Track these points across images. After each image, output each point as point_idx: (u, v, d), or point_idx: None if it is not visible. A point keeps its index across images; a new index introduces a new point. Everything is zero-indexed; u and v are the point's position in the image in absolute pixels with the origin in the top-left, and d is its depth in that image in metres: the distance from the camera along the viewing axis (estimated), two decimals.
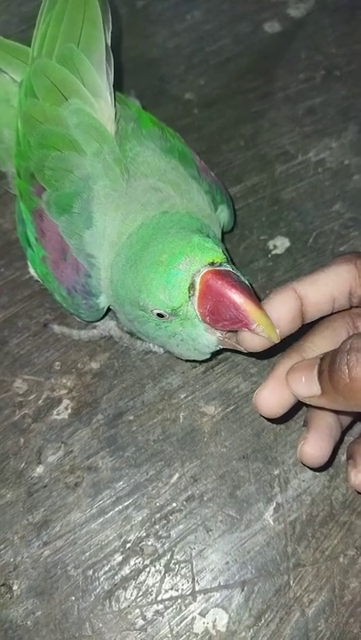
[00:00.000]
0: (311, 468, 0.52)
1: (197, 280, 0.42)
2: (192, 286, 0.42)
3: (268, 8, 0.79)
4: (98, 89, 0.50)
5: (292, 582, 0.49)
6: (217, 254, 0.42)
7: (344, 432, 0.47)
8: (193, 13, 0.78)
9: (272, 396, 0.42)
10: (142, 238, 0.46)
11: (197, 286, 0.42)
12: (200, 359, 0.50)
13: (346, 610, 0.48)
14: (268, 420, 0.53)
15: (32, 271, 0.57)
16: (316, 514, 0.51)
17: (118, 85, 0.53)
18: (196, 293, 0.42)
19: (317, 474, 0.52)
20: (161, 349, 0.56)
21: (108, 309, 0.53)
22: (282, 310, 0.42)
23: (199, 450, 0.54)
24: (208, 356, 0.49)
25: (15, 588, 0.50)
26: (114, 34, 0.52)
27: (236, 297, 0.40)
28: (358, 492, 0.51)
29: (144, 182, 0.49)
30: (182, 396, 0.56)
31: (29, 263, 0.56)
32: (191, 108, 0.71)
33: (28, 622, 0.49)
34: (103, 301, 0.51)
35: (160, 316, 0.45)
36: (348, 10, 0.79)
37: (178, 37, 0.76)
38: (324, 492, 0.52)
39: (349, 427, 0.48)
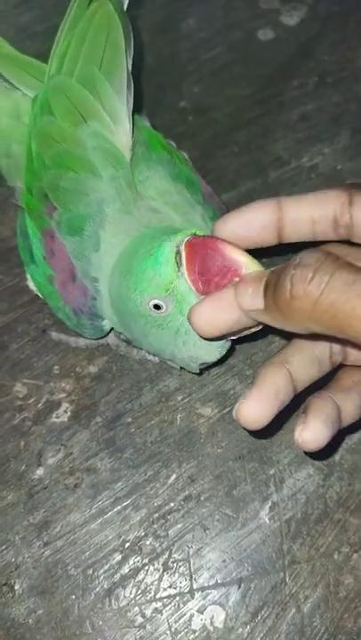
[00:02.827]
0: (303, 468, 0.53)
1: (182, 248, 0.41)
2: (179, 255, 0.42)
3: (262, 16, 0.80)
4: (117, 115, 0.49)
5: (287, 579, 0.50)
6: (199, 229, 0.42)
7: None
8: (188, 22, 0.79)
9: (256, 408, 0.38)
10: (131, 249, 0.46)
11: (183, 253, 0.41)
12: (210, 358, 0.48)
13: (340, 605, 0.49)
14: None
15: (31, 284, 0.57)
16: (310, 512, 0.52)
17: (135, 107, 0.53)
18: (184, 260, 0.41)
19: (312, 473, 0.53)
20: (156, 358, 0.57)
21: None
22: (258, 212, 0.40)
23: (196, 451, 0.55)
24: (219, 352, 0.47)
25: (17, 587, 0.51)
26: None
27: (220, 244, 0.40)
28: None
29: (147, 204, 0.50)
30: (179, 399, 0.57)
31: (29, 276, 0.57)
32: (186, 115, 0.72)
33: (30, 620, 0.50)
34: (107, 324, 0.52)
35: (157, 308, 0.44)
36: (341, 17, 0.80)
37: (173, 46, 0.78)
38: (319, 491, 0.53)
39: None
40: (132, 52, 0.50)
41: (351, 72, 0.75)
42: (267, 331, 0.42)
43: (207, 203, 0.53)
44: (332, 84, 0.74)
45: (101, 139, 0.49)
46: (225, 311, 0.38)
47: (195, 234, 0.41)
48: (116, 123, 0.49)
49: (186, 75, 0.75)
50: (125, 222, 0.49)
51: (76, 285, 0.50)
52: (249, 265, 0.39)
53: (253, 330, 0.41)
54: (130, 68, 0.50)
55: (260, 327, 0.41)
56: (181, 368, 0.52)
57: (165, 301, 0.43)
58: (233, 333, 0.42)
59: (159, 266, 0.42)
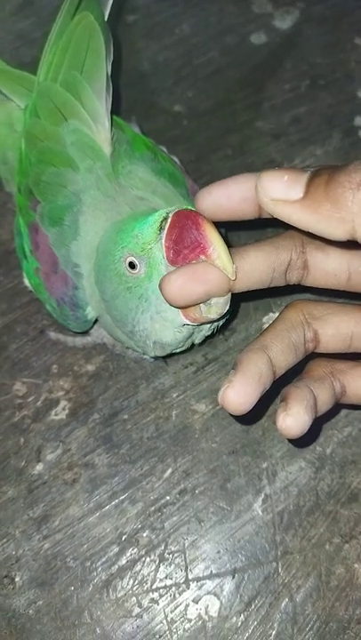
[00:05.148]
0: (297, 462, 0.55)
1: (170, 216, 0.43)
2: (165, 221, 0.43)
3: (255, 20, 0.81)
4: (97, 114, 0.52)
5: (280, 569, 0.52)
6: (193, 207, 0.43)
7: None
8: (182, 27, 0.81)
9: (240, 393, 0.39)
10: (118, 226, 0.48)
11: (169, 220, 0.43)
12: (165, 338, 0.47)
13: (332, 594, 0.51)
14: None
15: (26, 281, 0.59)
16: (302, 504, 0.54)
17: (117, 111, 0.55)
18: (167, 226, 0.43)
19: (304, 466, 0.55)
20: (152, 358, 0.58)
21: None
22: (241, 184, 0.42)
23: (191, 446, 0.56)
24: (174, 335, 0.47)
25: (17, 579, 0.52)
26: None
27: (201, 219, 0.41)
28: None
29: (134, 193, 0.52)
30: (174, 395, 0.58)
31: (24, 274, 0.59)
32: (180, 119, 0.73)
33: (30, 611, 0.51)
34: (90, 312, 0.53)
35: (132, 267, 0.45)
36: (333, 20, 0.81)
37: (167, 51, 0.79)
38: (311, 484, 0.54)
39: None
40: (112, 58, 0.54)
41: (343, 74, 0.76)
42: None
43: (191, 198, 0.55)
44: (324, 87, 0.75)
45: (80, 134, 0.51)
46: (196, 283, 0.40)
47: (188, 209, 0.43)
48: (95, 121, 0.52)
49: (180, 79, 0.77)
50: (105, 207, 0.51)
51: (59, 275, 0.52)
52: (217, 247, 0.40)
53: (214, 316, 0.43)
54: (109, 72, 0.53)
55: (226, 309, 0.43)
56: (143, 356, 0.53)
57: (140, 261, 0.45)
58: (197, 319, 0.44)
59: (145, 226, 0.44)
